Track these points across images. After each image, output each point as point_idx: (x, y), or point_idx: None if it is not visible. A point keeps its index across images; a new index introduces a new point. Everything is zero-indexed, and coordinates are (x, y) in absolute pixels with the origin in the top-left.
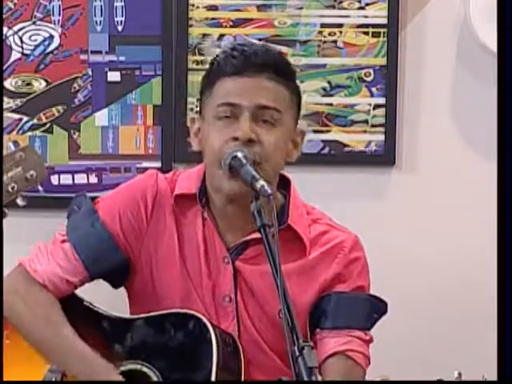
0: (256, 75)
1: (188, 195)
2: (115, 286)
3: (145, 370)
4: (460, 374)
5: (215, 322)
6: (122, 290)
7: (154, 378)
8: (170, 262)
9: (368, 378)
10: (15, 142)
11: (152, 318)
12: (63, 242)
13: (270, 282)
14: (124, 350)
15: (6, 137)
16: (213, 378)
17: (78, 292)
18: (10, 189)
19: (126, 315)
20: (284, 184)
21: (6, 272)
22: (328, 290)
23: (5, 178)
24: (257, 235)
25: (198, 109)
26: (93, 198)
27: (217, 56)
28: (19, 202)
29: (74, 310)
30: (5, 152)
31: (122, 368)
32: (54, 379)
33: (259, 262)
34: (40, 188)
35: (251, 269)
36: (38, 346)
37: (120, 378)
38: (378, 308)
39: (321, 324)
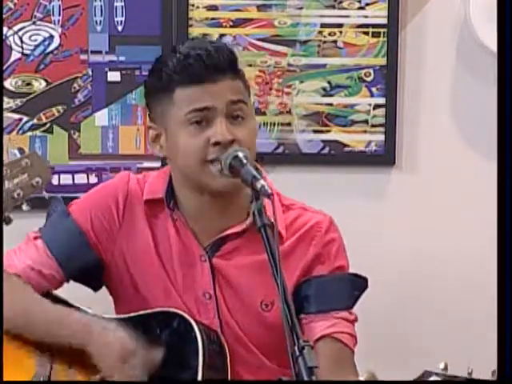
0: (218, 79)
1: (156, 199)
2: (94, 288)
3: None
4: (446, 365)
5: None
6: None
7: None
8: (148, 262)
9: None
10: (20, 149)
11: (137, 317)
12: (35, 238)
13: (249, 275)
14: None
15: (5, 137)
16: (199, 377)
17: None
18: (15, 195)
19: (112, 315)
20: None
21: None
22: (308, 274)
23: (11, 184)
24: (232, 230)
25: (149, 114)
26: (68, 202)
27: (163, 61)
28: (24, 207)
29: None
30: (6, 158)
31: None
32: (41, 379)
33: (236, 256)
34: (46, 194)
35: (229, 264)
36: (24, 325)
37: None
38: (358, 285)
39: (305, 309)
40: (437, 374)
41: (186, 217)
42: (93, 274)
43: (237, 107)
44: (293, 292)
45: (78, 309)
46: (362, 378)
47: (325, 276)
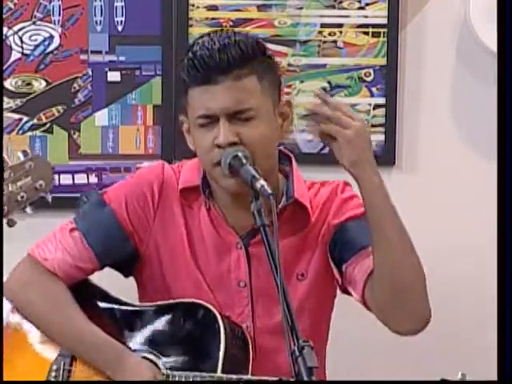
0: (222, 79)
1: (192, 188)
2: (125, 274)
3: (153, 358)
4: (464, 375)
5: (228, 309)
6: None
7: (161, 367)
8: (179, 252)
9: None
10: (24, 152)
11: (162, 306)
12: (72, 230)
13: (285, 254)
14: (133, 338)
15: (5, 137)
16: (219, 369)
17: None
18: (19, 198)
19: (138, 303)
20: (285, 160)
21: (5, 272)
22: (336, 228)
23: (14, 187)
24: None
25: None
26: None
27: (182, 60)
28: (28, 210)
29: (86, 295)
30: (7, 159)
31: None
32: (63, 363)
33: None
34: (49, 197)
35: (264, 250)
36: (51, 333)
37: (136, 360)
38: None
39: (345, 257)
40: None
41: (220, 206)
42: (127, 263)
43: (240, 114)
44: (329, 248)
45: (111, 300)
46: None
47: (349, 221)
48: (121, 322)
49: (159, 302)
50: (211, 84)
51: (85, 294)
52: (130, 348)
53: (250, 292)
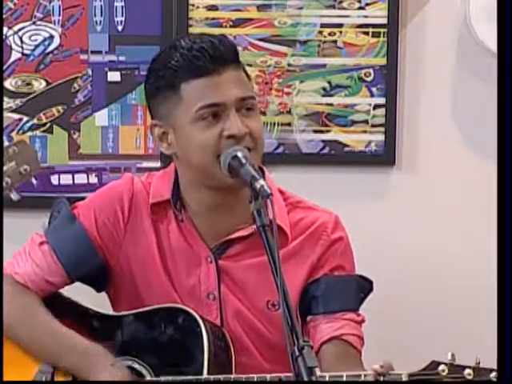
0: (224, 70)
1: (162, 202)
2: (97, 290)
3: (136, 366)
4: (453, 356)
5: None
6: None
7: (146, 374)
8: (150, 265)
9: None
10: (9, 137)
11: (141, 313)
12: (41, 244)
13: (256, 276)
14: (114, 347)
15: (6, 137)
16: (204, 372)
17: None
18: (4, 184)
19: (115, 312)
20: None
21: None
22: (315, 274)
23: None
24: (240, 234)
25: (151, 113)
26: (72, 203)
27: (164, 59)
28: (13, 196)
29: (60, 308)
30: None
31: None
32: (44, 379)
33: (243, 258)
34: (34, 181)
35: (235, 265)
36: (27, 344)
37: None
38: (364, 287)
39: (312, 310)
40: (445, 364)
41: (192, 218)
42: (98, 278)
43: (245, 102)
44: (300, 293)
45: (87, 311)
46: (376, 366)
47: (332, 276)
48: (100, 331)
49: (139, 310)
50: (215, 74)
51: (60, 305)
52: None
53: (219, 305)
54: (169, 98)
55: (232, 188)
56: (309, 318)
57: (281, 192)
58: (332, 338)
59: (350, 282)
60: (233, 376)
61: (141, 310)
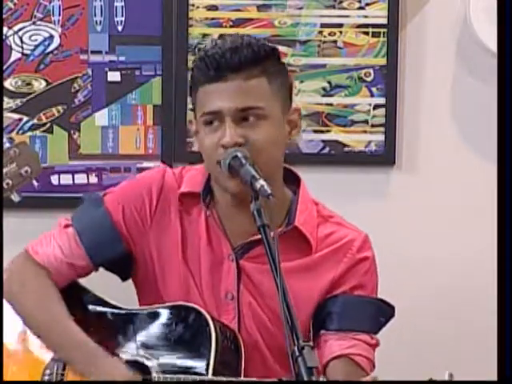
0: (232, 78)
1: (192, 193)
2: (122, 278)
3: (144, 361)
4: (451, 375)
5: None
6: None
7: (152, 370)
8: (172, 258)
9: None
10: (10, 139)
11: (153, 310)
12: (67, 226)
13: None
14: (125, 342)
15: (5, 137)
16: (210, 372)
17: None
18: (5, 185)
19: (129, 307)
20: (293, 180)
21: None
22: (335, 290)
23: None
24: None
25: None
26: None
27: (194, 60)
28: (14, 197)
29: (78, 300)
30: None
31: (123, 359)
32: (56, 368)
33: (264, 261)
34: (35, 183)
35: (256, 267)
36: (36, 330)
37: (122, 367)
38: (385, 312)
39: (326, 326)
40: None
41: (219, 214)
42: (122, 265)
43: (247, 113)
44: (316, 305)
45: (101, 303)
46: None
47: (351, 295)
48: (113, 326)
49: (151, 306)
50: (220, 82)
51: (76, 298)
52: (121, 351)
53: (237, 305)
54: (193, 98)
55: (234, 194)
56: (321, 332)
57: (315, 203)
58: (341, 356)
59: (368, 303)
60: (240, 379)
61: (154, 306)
